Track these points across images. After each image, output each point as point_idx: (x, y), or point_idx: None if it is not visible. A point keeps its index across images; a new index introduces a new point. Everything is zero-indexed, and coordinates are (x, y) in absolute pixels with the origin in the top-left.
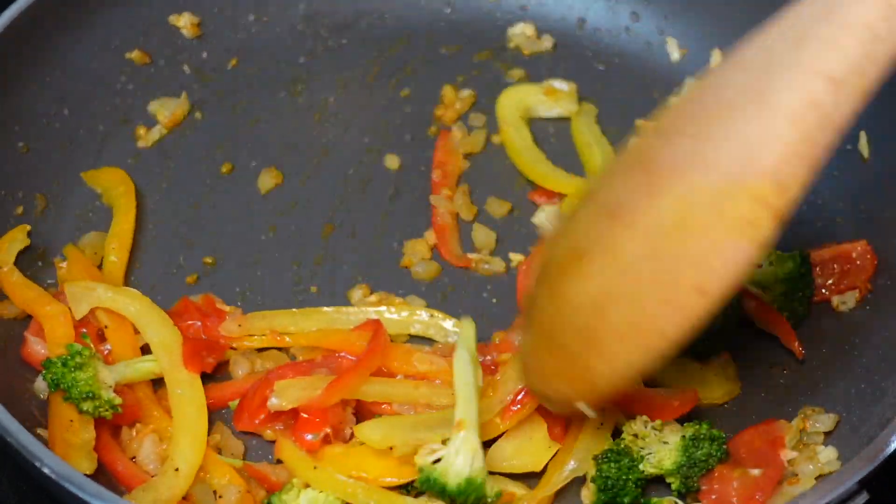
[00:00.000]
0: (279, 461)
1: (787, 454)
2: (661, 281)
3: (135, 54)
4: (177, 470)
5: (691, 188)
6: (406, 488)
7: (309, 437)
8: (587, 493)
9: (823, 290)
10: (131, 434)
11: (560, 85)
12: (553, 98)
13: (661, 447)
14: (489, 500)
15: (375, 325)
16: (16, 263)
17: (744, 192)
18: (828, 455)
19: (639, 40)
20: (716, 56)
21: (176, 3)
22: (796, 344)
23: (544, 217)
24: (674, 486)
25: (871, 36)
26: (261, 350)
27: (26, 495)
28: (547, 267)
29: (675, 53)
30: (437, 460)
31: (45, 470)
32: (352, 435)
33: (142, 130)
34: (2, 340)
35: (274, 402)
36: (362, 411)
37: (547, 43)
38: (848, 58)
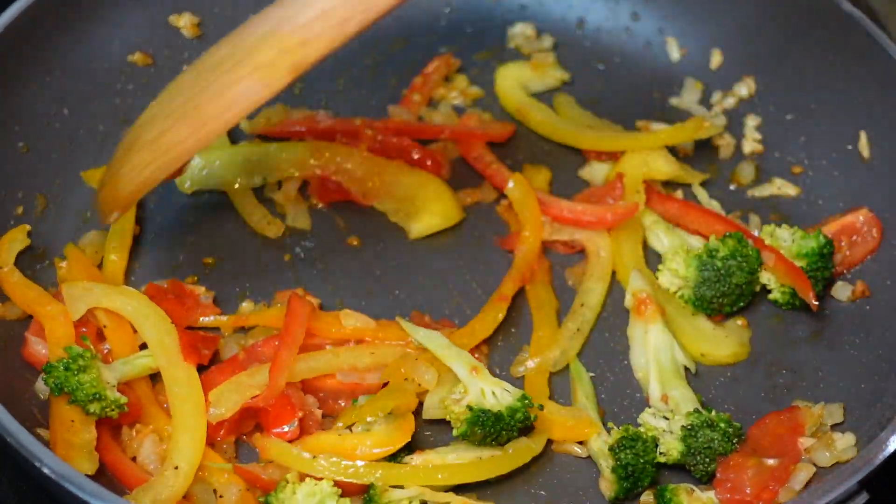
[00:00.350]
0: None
1: (804, 442)
2: (190, 105)
3: (137, 56)
4: (176, 468)
5: (241, 36)
6: (395, 457)
7: (286, 428)
8: (606, 485)
9: (836, 266)
10: (131, 434)
11: (542, 56)
12: (541, 71)
13: (667, 437)
14: (530, 418)
15: (291, 297)
16: (16, 264)
17: (274, 42)
18: (846, 441)
19: (639, 40)
20: (716, 56)
21: (176, 3)
22: (811, 294)
23: (590, 170)
24: (694, 473)
25: None
26: (248, 329)
27: (26, 495)
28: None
29: (675, 53)
30: (469, 407)
31: (45, 470)
32: (323, 415)
33: None
34: (2, 341)
35: (214, 413)
36: (309, 390)
37: (547, 43)
38: None
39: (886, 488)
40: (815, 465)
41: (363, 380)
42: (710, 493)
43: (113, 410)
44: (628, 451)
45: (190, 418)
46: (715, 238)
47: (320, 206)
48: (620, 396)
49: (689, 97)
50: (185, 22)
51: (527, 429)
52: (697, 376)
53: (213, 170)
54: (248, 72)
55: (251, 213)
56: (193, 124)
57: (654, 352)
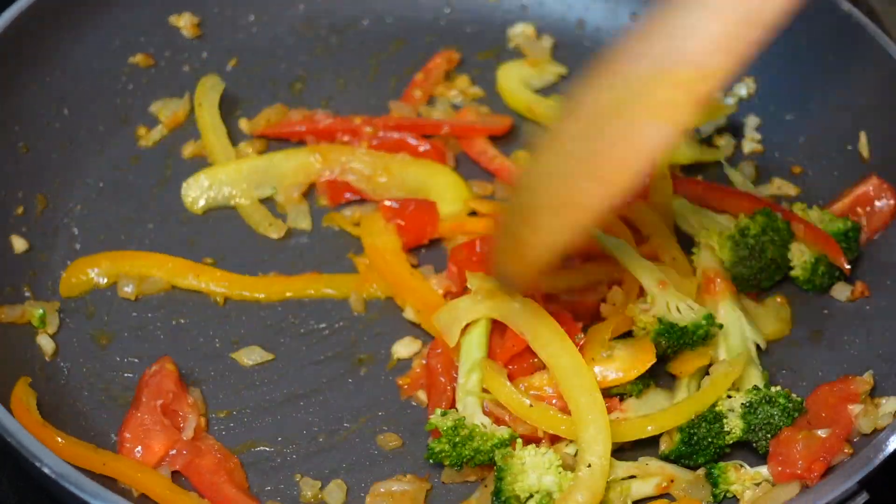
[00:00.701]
0: None
1: (854, 409)
2: (590, 159)
3: (139, 58)
4: (589, 466)
5: (625, 77)
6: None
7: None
8: (667, 440)
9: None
10: None
11: (539, 52)
12: (539, 68)
13: (730, 415)
14: (709, 336)
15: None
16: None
17: (668, 78)
18: (889, 407)
19: None
20: None
21: (176, 3)
22: (842, 259)
23: None
24: (759, 449)
25: None
26: None
27: (26, 495)
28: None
29: None
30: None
31: (45, 470)
32: None
33: (142, 130)
34: (2, 341)
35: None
36: None
37: (547, 43)
38: None
39: (886, 488)
40: (859, 432)
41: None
42: (759, 469)
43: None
44: (704, 425)
45: (589, 410)
46: (744, 216)
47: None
48: None
49: None
50: (184, 22)
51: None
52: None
53: (222, 187)
54: (648, 114)
55: (251, 214)
56: (600, 178)
57: (723, 330)
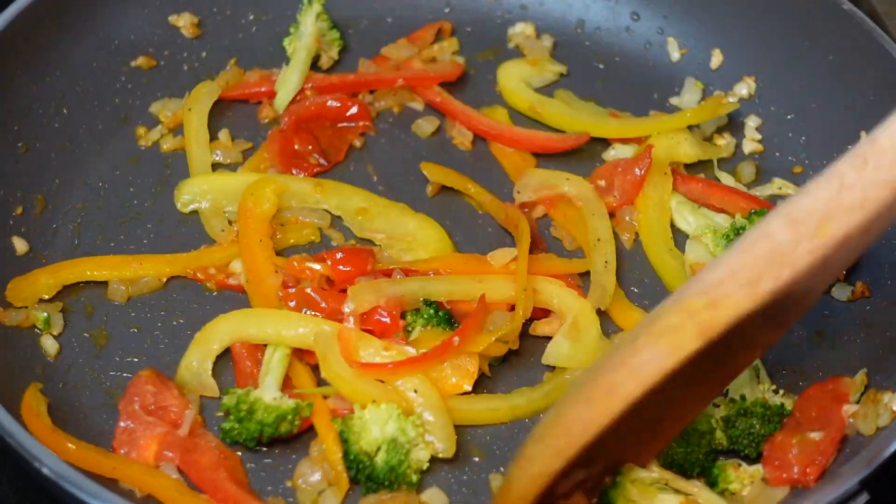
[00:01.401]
0: None
1: (848, 409)
2: (587, 384)
3: (140, 61)
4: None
5: (650, 315)
6: None
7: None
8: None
9: None
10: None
11: (538, 51)
12: (539, 67)
13: (717, 428)
14: None
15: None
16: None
17: (679, 306)
18: (892, 404)
19: (639, 40)
20: (716, 56)
21: (176, 3)
22: None
23: (615, 153)
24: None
25: (838, 184)
26: None
27: (26, 495)
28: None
29: (675, 53)
30: None
31: (45, 470)
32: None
33: (142, 130)
34: (2, 341)
35: (350, 308)
36: None
37: (547, 43)
38: (814, 200)
39: (887, 488)
40: (859, 433)
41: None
42: (758, 466)
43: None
44: (680, 449)
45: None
46: (741, 215)
47: None
48: None
49: (689, 97)
50: (184, 22)
51: None
52: None
53: (223, 198)
54: (652, 339)
55: (209, 219)
56: (593, 399)
57: None
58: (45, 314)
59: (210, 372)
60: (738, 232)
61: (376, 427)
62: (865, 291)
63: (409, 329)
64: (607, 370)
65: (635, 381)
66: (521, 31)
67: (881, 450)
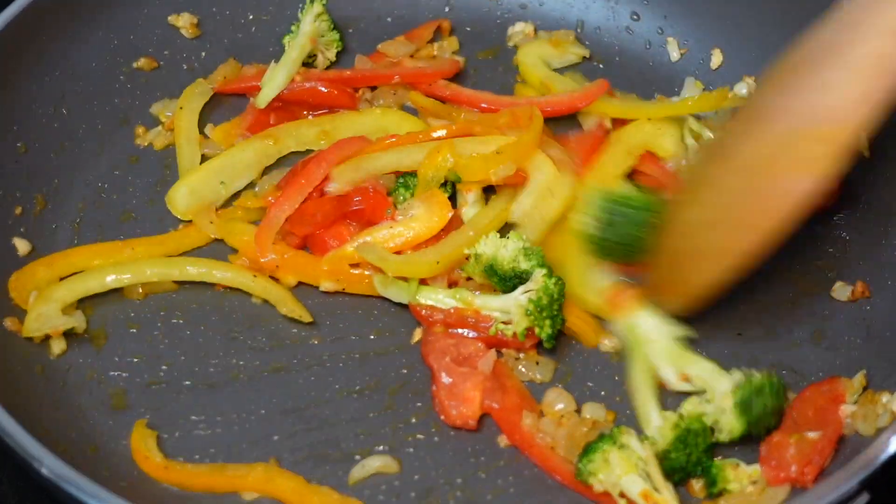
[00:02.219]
0: None
1: (846, 410)
2: (740, 209)
3: (142, 62)
4: None
5: (770, 132)
6: None
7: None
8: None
9: None
10: None
11: (563, 34)
12: (562, 48)
13: (722, 417)
14: None
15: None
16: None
17: (811, 134)
18: (892, 405)
19: (639, 40)
20: (716, 56)
21: (176, 3)
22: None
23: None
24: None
25: None
26: None
27: (26, 495)
28: (673, 202)
29: (674, 53)
30: None
31: (44, 471)
32: None
33: (141, 130)
34: (2, 341)
35: (333, 187)
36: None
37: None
38: None
39: (887, 489)
40: (858, 434)
41: None
42: (756, 466)
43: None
44: (681, 453)
45: None
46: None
47: None
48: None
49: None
50: (184, 22)
51: None
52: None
53: (202, 191)
54: (793, 168)
55: (197, 214)
56: (749, 226)
57: (649, 337)
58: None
59: None
60: (619, 201)
61: (503, 249)
62: (866, 291)
63: (401, 201)
64: (751, 200)
65: (783, 207)
66: (520, 30)
67: (881, 450)
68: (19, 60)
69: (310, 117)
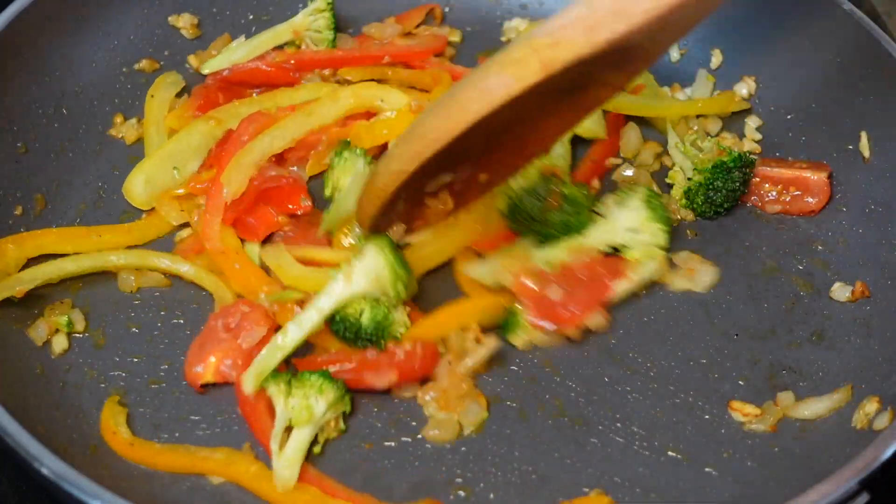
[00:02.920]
0: None
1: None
2: (444, 99)
3: (144, 63)
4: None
5: (510, 45)
6: None
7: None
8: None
9: (777, 205)
10: None
11: None
12: None
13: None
14: None
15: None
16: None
17: (526, 42)
18: (879, 423)
19: None
20: (716, 56)
21: (176, 4)
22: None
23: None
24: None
25: None
26: None
27: (26, 495)
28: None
29: (674, 53)
30: None
31: (44, 471)
32: None
33: (119, 119)
34: (2, 341)
35: (227, 192)
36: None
37: None
38: None
39: (886, 489)
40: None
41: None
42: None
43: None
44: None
45: None
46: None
47: None
48: None
49: (700, 91)
50: (184, 22)
51: None
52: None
53: (156, 179)
54: (500, 67)
55: (161, 205)
56: (446, 115)
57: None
58: (66, 317)
59: None
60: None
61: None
62: (865, 291)
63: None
64: (461, 90)
65: (483, 100)
66: (515, 25)
67: (881, 450)
68: (19, 60)
69: (255, 96)
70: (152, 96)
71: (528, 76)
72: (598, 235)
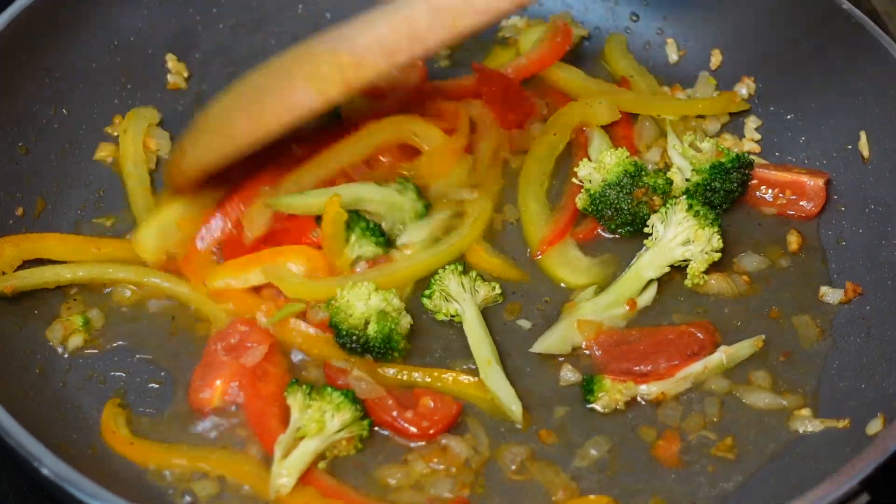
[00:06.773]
0: None
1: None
2: (253, 102)
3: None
4: None
5: (307, 49)
6: None
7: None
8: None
9: (772, 209)
10: None
11: (561, 16)
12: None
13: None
14: None
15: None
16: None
17: (332, 59)
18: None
19: (639, 40)
20: (716, 56)
21: (175, 4)
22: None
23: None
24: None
25: None
26: None
27: (26, 495)
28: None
29: (673, 54)
30: None
31: (44, 471)
32: None
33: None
34: (2, 341)
35: (249, 235)
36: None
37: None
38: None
39: (887, 488)
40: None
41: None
42: (631, 384)
43: None
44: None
45: None
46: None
47: None
48: None
49: (702, 92)
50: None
51: None
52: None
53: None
54: (306, 81)
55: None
56: (255, 120)
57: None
58: (81, 318)
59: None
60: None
61: (360, 303)
62: (857, 289)
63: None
64: (270, 97)
65: (288, 114)
66: (512, 23)
67: (881, 450)
68: (19, 60)
69: None
70: (125, 131)
71: (332, 93)
72: (654, 260)
